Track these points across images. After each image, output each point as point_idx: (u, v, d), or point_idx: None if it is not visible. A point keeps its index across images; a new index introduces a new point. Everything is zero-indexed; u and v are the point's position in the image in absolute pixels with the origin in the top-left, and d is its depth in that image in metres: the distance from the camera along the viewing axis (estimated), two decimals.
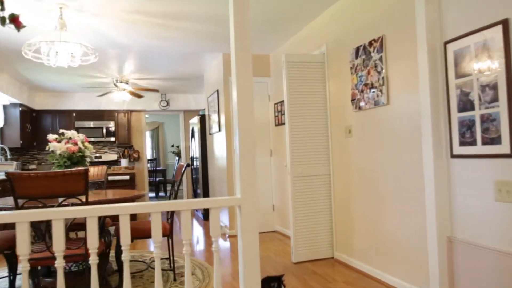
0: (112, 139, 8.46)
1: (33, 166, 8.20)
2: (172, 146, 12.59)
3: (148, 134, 12.81)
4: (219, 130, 5.85)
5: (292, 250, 4.02)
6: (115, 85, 7.00)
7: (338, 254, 4.04)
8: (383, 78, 3.15)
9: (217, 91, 5.89)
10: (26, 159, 8.37)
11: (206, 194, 6.86)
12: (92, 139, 8.24)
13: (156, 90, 7.17)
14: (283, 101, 5.10)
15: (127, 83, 7.07)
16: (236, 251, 4.67)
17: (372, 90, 3.28)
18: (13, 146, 7.22)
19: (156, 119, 12.87)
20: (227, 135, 5.49)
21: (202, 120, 6.89)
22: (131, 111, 8.88)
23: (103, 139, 8.37)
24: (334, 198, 4.09)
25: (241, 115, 2.12)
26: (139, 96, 7.45)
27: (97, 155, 8.61)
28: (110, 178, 5.88)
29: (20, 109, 7.24)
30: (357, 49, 3.50)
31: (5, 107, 7.20)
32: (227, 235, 5.46)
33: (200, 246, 4.99)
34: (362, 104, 3.45)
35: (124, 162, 8.50)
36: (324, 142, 4.13)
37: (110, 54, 5.46)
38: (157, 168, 11.07)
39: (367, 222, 3.54)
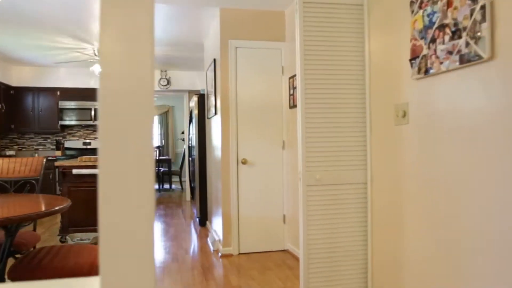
0: None
1: (12, 152, 7.06)
2: (182, 132, 11.29)
3: (156, 119, 11.56)
4: (215, 113, 4.42)
5: None
6: (95, 54, 5.67)
7: None
8: (481, 8, 1.61)
9: (214, 61, 4.45)
10: (5, 144, 7.23)
11: (203, 189, 5.48)
12: (78, 123, 7.02)
13: None
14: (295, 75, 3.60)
15: None
16: (230, 275, 3.27)
17: (456, 35, 1.74)
18: None
19: (165, 102, 11.58)
20: (223, 119, 4.06)
21: (201, 100, 5.48)
22: None
23: (91, 122, 7.12)
24: (372, 219, 2.60)
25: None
26: None
27: (86, 141, 7.38)
28: (75, 172, 4.58)
29: None
30: None
31: None
32: (219, 254, 4.07)
33: (186, 263, 3.63)
34: (432, 63, 1.91)
35: None
36: (358, 133, 2.63)
37: (80, 8, 4.10)
38: (161, 157, 9.79)
39: (433, 262, 2.04)
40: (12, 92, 6.91)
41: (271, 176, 4.13)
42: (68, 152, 7.36)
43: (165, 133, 11.66)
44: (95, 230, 4.82)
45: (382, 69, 2.48)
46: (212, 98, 4.58)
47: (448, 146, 1.88)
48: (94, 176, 4.66)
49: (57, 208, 2.19)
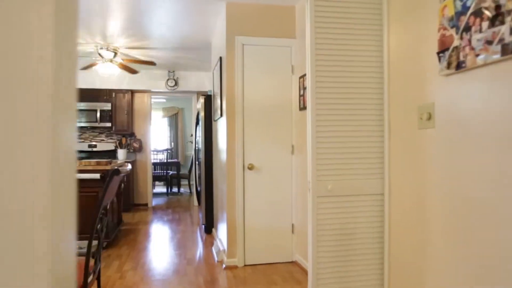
0: (108, 124, 7.01)
1: None
2: (192, 135, 11.08)
3: (166, 122, 11.39)
4: (221, 115, 4.17)
5: None
6: (99, 54, 5.48)
7: None
8: None
9: (220, 59, 4.20)
10: None
11: (209, 194, 5.23)
12: (83, 124, 6.86)
13: (151, 63, 5.57)
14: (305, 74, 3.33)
15: (115, 54, 5.52)
16: None
17: (498, 20, 1.44)
18: None
19: (175, 103, 11.40)
20: (229, 121, 3.79)
21: (208, 102, 5.24)
22: (133, 91, 7.38)
23: (96, 124, 6.94)
24: (390, 235, 2.30)
25: None
26: (132, 71, 5.90)
27: (92, 143, 7.20)
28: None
29: None
30: None
31: None
32: (224, 265, 3.80)
33: (188, 276, 3.37)
34: (466, 56, 1.62)
35: (121, 154, 7.04)
36: (374, 138, 2.34)
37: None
38: (169, 160, 9.59)
39: None
40: None
41: (279, 183, 3.85)
42: None
43: (175, 135, 11.47)
44: (96, 238, 4.61)
45: (403, 65, 2.19)
46: (218, 100, 4.33)
47: (483, 155, 1.58)
48: (94, 181, 4.46)
49: None
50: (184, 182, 10.15)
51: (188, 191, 9.71)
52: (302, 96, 3.66)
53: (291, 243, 3.88)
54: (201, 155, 5.35)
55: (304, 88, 3.58)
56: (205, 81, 7.37)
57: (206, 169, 5.22)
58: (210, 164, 5.20)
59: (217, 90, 4.43)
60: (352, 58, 2.37)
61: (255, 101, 3.80)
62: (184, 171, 10.52)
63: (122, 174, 2.23)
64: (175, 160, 10.07)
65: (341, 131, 2.30)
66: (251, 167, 3.77)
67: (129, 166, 2.47)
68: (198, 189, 5.95)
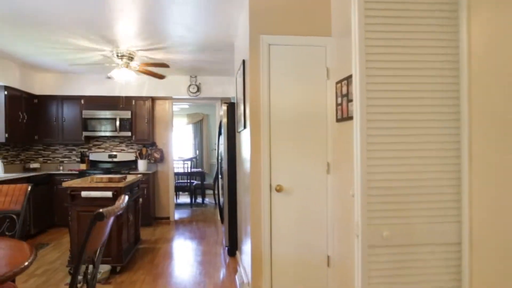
0: (128, 134, 6.62)
1: (36, 165, 6.64)
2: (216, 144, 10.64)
3: (191, 129, 11.00)
4: (244, 127, 3.63)
5: None
6: (115, 59, 5.08)
7: None
8: None
9: (243, 62, 3.66)
10: (30, 156, 6.84)
11: (232, 212, 4.70)
12: (105, 133, 6.50)
13: (165, 65, 5.11)
14: (349, 76, 2.74)
15: (131, 59, 5.10)
16: None
17: None
18: None
19: (200, 110, 10.99)
20: (253, 135, 3.25)
21: (231, 110, 4.72)
22: (154, 98, 6.98)
23: (116, 133, 6.57)
24: None
25: None
26: (159, 76, 5.48)
27: (112, 153, 6.85)
28: (84, 194, 3.94)
29: (6, 92, 5.62)
30: None
31: None
32: None
33: None
34: None
35: (141, 165, 6.64)
36: (448, 164, 1.73)
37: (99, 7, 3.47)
38: (193, 170, 9.15)
39: None
40: (35, 100, 6.51)
41: (312, 207, 3.27)
42: (93, 165, 6.85)
43: (200, 143, 11.05)
44: (108, 262, 4.17)
45: (494, 65, 1.58)
46: (242, 108, 3.80)
47: None
48: (107, 200, 4.02)
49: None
50: (209, 191, 9.70)
51: (213, 201, 9.24)
52: (340, 105, 3.06)
53: (326, 278, 3.28)
54: (224, 169, 4.84)
55: (343, 96, 2.98)
56: (229, 87, 6.88)
57: (229, 184, 4.70)
58: (234, 179, 4.67)
59: (240, 97, 3.90)
60: (412, 58, 1.78)
61: (283, 111, 3.24)
62: (209, 180, 10.07)
63: (112, 216, 1.72)
64: (199, 169, 9.62)
65: (402, 156, 1.70)
66: (279, 189, 3.21)
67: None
68: (221, 203, 5.43)
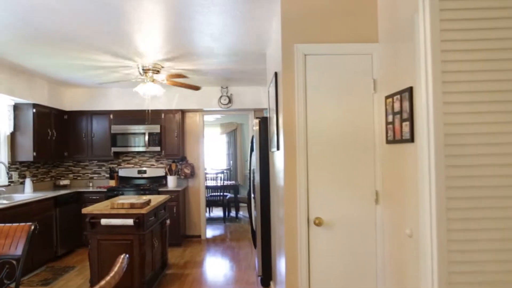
0: (157, 149, 6.35)
1: (66, 182, 6.51)
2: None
3: (224, 139, 10.69)
4: (277, 148, 3.19)
5: None
6: (140, 73, 4.80)
7: None
8: None
9: (275, 75, 3.23)
10: (60, 172, 6.72)
11: (266, 238, 4.26)
12: (133, 149, 6.27)
13: (197, 88, 4.79)
14: (406, 90, 2.24)
15: (157, 72, 4.80)
16: None
17: None
18: (25, 160, 5.49)
19: (233, 119, 10.66)
20: (287, 159, 2.80)
21: (264, 125, 4.30)
22: (184, 111, 6.69)
23: (145, 148, 6.31)
24: None
25: None
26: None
27: (141, 169, 6.60)
28: (104, 222, 3.64)
29: (34, 110, 5.49)
30: None
31: (17, 108, 5.51)
32: None
33: None
34: None
35: (171, 181, 6.34)
36: None
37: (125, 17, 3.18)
38: (226, 183, 8.79)
39: None
40: (65, 116, 6.39)
41: (358, 245, 2.76)
42: (122, 181, 6.64)
43: (233, 153, 10.71)
44: None
45: None
46: (274, 126, 3.36)
47: None
48: (128, 228, 3.70)
49: None
50: (243, 204, 9.31)
51: (247, 215, 8.84)
52: (391, 125, 2.55)
53: None
54: (256, 190, 4.40)
55: (395, 113, 2.48)
56: (263, 96, 6.46)
57: (262, 209, 4.26)
58: (267, 203, 4.23)
59: (273, 113, 3.47)
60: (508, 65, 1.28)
61: (322, 131, 2.77)
62: (243, 192, 9.70)
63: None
64: (233, 182, 9.25)
65: (498, 185, 1.20)
66: (318, 223, 2.73)
67: (125, 261, 1.59)
68: (253, 219, 4.99)
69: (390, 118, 2.58)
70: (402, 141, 2.39)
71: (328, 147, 2.77)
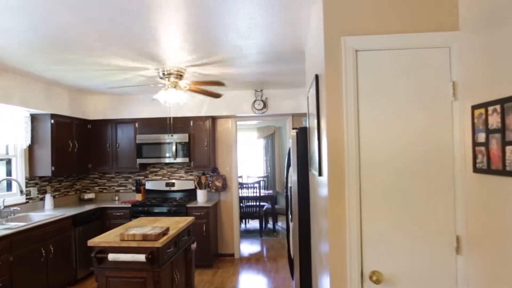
0: (186, 160, 5.81)
1: (91, 196, 6.12)
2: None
3: (262, 144, 10.05)
4: (319, 174, 2.47)
5: None
6: (161, 78, 4.25)
7: None
8: None
9: (316, 78, 2.52)
10: (86, 185, 6.35)
11: (305, 270, 3.56)
12: (159, 160, 5.77)
13: (220, 83, 4.16)
14: (507, 99, 1.48)
15: (180, 77, 4.23)
16: None
17: None
18: (43, 175, 5.11)
19: (270, 122, 10.00)
20: (331, 191, 2.09)
21: (302, 137, 3.59)
22: (214, 117, 6.11)
23: (172, 160, 5.79)
24: None
25: None
26: (215, 95, 4.60)
27: (170, 181, 6.09)
28: (111, 257, 3.09)
29: (53, 121, 5.10)
30: None
31: (34, 119, 5.15)
32: None
33: None
34: None
35: (201, 195, 5.78)
36: None
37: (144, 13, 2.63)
38: (263, 194, 8.12)
39: None
40: (89, 126, 5.99)
41: None
42: (149, 194, 6.16)
43: (271, 159, 10.03)
44: None
45: None
46: (315, 143, 2.65)
47: None
48: (140, 264, 3.14)
49: None
50: (282, 218, 8.63)
51: (285, 227, 8.14)
52: (484, 146, 1.78)
53: None
54: (294, 213, 3.71)
55: (491, 131, 1.71)
56: (302, 100, 5.75)
57: (301, 236, 3.56)
58: (307, 230, 3.53)
59: (314, 122, 2.76)
60: None
61: (379, 154, 2.04)
62: (281, 201, 9.01)
63: None
64: (270, 192, 8.57)
65: None
66: (376, 279, 2.00)
67: None
68: (290, 252, 4.30)
69: (481, 137, 1.81)
70: (504, 173, 1.62)
71: (388, 176, 2.03)
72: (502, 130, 1.63)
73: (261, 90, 5.79)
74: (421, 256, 2.01)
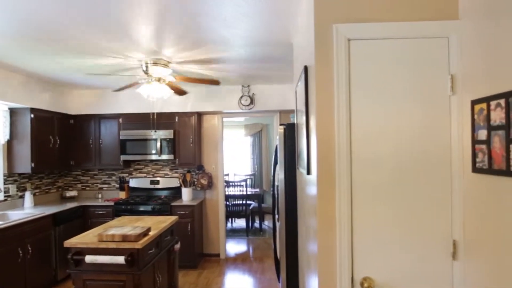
0: (170, 157, 5.62)
1: (73, 193, 5.89)
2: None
3: (249, 141, 9.90)
4: (308, 172, 2.32)
5: None
6: (145, 72, 4.06)
7: None
8: None
9: (305, 70, 2.37)
10: (68, 182, 6.12)
11: (292, 274, 3.42)
12: (144, 157, 5.57)
13: (215, 82, 4.01)
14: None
15: (166, 66, 4.05)
16: None
17: None
18: (22, 171, 4.88)
19: (258, 120, 9.86)
20: (321, 190, 1.94)
21: (290, 133, 3.44)
22: (200, 113, 5.93)
23: (157, 156, 5.60)
24: None
25: None
26: (180, 92, 4.42)
27: (154, 179, 5.90)
28: (88, 259, 2.91)
29: (32, 116, 4.87)
30: None
31: (14, 113, 4.91)
32: None
33: None
34: None
35: (186, 193, 5.60)
36: None
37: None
38: (250, 192, 7.97)
39: None
40: (71, 121, 5.76)
41: None
42: (133, 192, 5.96)
43: (258, 157, 9.89)
44: None
45: None
46: (303, 140, 2.51)
47: None
48: (119, 266, 2.97)
49: None
50: (269, 217, 8.49)
51: (272, 226, 8.01)
52: (485, 144, 1.65)
53: None
54: (281, 215, 3.56)
55: (493, 127, 1.58)
56: (289, 97, 5.61)
57: (288, 236, 3.42)
58: (294, 230, 3.39)
59: (302, 118, 2.61)
60: None
61: (372, 153, 1.90)
62: (268, 200, 8.87)
63: None
64: (257, 191, 8.42)
65: None
66: (368, 286, 1.87)
67: None
68: (276, 253, 4.16)
69: (482, 135, 1.68)
70: (508, 173, 1.49)
71: (381, 176, 1.89)
72: (507, 126, 1.50)
73: (248, 86, 5.63)
74: (414, 262, 1.88)
